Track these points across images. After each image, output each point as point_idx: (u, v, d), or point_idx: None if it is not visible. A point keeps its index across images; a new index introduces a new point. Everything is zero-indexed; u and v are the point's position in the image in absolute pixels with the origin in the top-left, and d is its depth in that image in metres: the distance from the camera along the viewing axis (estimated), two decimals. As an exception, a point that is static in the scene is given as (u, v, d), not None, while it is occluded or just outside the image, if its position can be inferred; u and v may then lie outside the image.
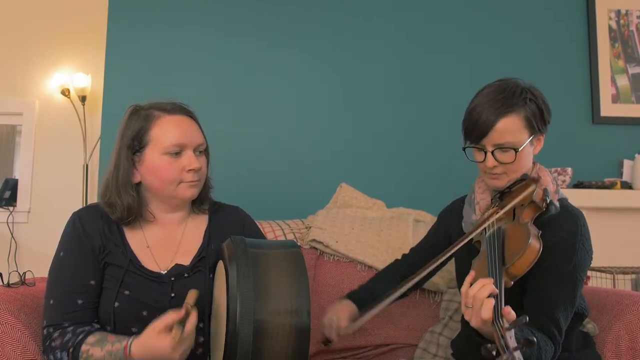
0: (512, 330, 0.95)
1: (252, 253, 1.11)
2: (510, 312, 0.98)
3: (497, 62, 2.53)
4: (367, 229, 1.96)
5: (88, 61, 3.62)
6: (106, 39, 2.40)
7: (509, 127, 1.24)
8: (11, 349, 1.17)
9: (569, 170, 2.36)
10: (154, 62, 2.41)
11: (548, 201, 1.21)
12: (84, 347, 1.14)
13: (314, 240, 1.88)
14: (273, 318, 1.04)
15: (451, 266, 1.60)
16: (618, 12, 2.68)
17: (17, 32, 3.70)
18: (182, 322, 1.06)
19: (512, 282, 1.09)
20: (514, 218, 1.21)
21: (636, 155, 2.50)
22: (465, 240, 1.25)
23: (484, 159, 1.28)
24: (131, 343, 1.10)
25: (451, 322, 1.74)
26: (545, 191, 1.22)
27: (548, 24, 2.61)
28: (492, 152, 1.26)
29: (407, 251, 1.66)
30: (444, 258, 1.29)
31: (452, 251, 1.26)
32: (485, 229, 1.23)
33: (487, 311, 0.99)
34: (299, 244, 1.88)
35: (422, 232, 1.97)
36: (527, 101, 1.26)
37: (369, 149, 2.46)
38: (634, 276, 2.24)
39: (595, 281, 2.22)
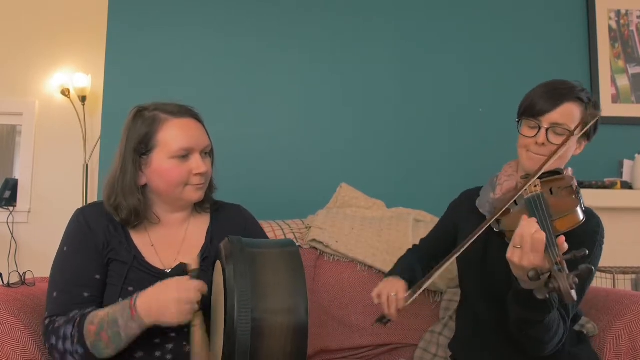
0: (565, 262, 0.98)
1: (248, 252, 1.11)
2: (563, 242, 1.03)
3: (497, 62, 2.53)
4: (367, 229, 1.96)
5: (88, 61, 3.62)
6: (106, 39, 2.40)
7: (571, 112, 1.31)
8: (11, 349, 1.17)
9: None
10: (154, 62, 2.41)
11: (579, 195, 1.25)
12: (90, 315, 1.15)
13: (314, 240, 1.88)
14: (271, 317, 1.05)
15: (451, 265, 1.60)
16: (618, 12, 2.68)
17: (17, 32, 3.70)
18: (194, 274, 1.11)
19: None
20: (552, 194, 1.25)
21: (636, 155, 2.50)
22: (512, 201, 1.26)
23: (536, 134, 1.32)
24: (138, 295, 1.13)
25: (451, 322, 1.74)
26: (577, 187, 1.27)
27: (548, 24, 2.61)
28: (547, 130, 1.30)
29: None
30: (474, 238, 1.26)
31: (499, 214, 1.25)
32: (515, 200, 1.26)
33: (539, 232, 1.03)
34: (298, 243, 1.88)
35: (422, 232, 1.98)
36: (591, 104, 1.34)
37: (369, 149, 2.45)
38: (634, 276, 2.24)
39: (595, 281, 2.22)
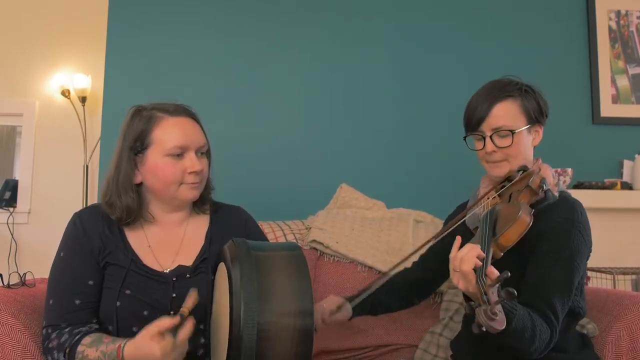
0: (496, 287, 0.98)
1: (254, 255, 1.11)
2: (493, 272, 1.02)
3: (497, 62, 2.53)
4: (367, 230, 1.96)
5: (88, 62, 3.62)
6: (106, 39, 2.40)
7: (505, 112, 1.30)
8: (11, 350, 1.17)
9: (569, 170, 2.36)
10: (154, 62, 2.41)
11: (545, 189, 1.23)
12: (79, 348, 1.15)
13: (314, 240, 1.88)
14: (277, 320, 1.05)
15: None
16: (618, 13, 2.68)
17: (18, 32, 3.70)
18: (176, 329, 1.06)
19: (502, 253, 1.11)
20: (509, 201, 1.24)
21: (636, 155, 2.50)
22: (458, 223, 1.27)
23: (483, 146, 1.32)
24: (124, 345, 1.10)
25: (451, 322, 1.74)
26: (542, 179, 1.24)
27: (548, 24, 2.61)
28: (491, 137, 1.31)
29: (407, 252, 1.66)
30: (434, 241, 1.31)
31: (444, 233, 1.28)
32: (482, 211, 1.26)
33: (467, 263, 1.04)
34: (299, 244, 1.88)
35: (422, 233, 1.98)
36: (523, 91, 1.33)
37: (369, 149, 2.45)
38: (634, 276, 2.24)
39: (595, 281, 2.22)
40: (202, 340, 1.25)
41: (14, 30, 3.70)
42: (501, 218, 1.17)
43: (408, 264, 1.64)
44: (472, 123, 1.33)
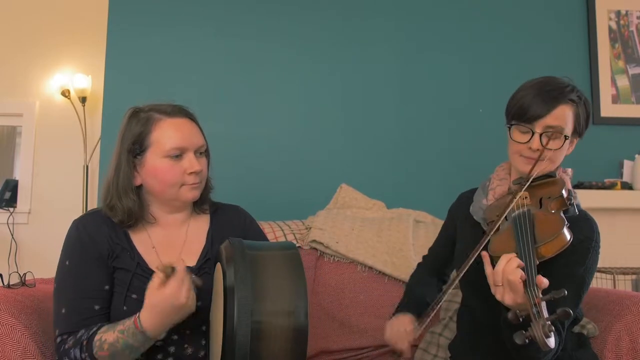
0: (544, 302, 0.96)
1: (249, 255, 1.11)
2: (543, 281, 1.00)
3: (497, 62, 2.53)
4: (367, 230, 1.96)
5: (88, 62, 3.62)
6: (106, 39, 2.40)
7: (564, 115, 1.28)
8: (12, 350, 1.17)
9: (569, 170, 2.35)
10: (154, 62, 2.41)
11: (572, 201, 1.23)
12: (97, 337, 1.14)
13: (314, 241, 1.88)
14: (271, 319, 1.05)
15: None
16: (618, 13, 2.68)
17: (18, 32, 3.71)
18: (171, 270, 1.09)
19: (538, 262, 1.10)
20: (540, 207, 1.22)
21: (636, 155, 2.50)
22: (503, 217, 1.23)
23: (529, 140, 1.28)
24: (139, 314, 1.12)
25: (451, 322, 1.73)
26: (570, 192, 1.24)
27: (548, 24, 2.61)
28: (540, 135, 1.27)
29: (407, 252, 1.67)
30: (484, 243, 1.23)
31: (491, 233, 1.22)
32: (509, 210, 1.23)
33: (513, 274, 1.02)
34: (299, 244, 1.88)
35: (422, 233, 1.98)
36: (582, 101, 1.32)
37: (369, 150, 2.45)
38: (634, 276, 2.25)
39: (595, 281, 2.22)
40: (204, 342, 1.25)
41: (14, 30, 3.71)
42: (540, 226, 1.14)
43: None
44: (525, 116, 1.28)
